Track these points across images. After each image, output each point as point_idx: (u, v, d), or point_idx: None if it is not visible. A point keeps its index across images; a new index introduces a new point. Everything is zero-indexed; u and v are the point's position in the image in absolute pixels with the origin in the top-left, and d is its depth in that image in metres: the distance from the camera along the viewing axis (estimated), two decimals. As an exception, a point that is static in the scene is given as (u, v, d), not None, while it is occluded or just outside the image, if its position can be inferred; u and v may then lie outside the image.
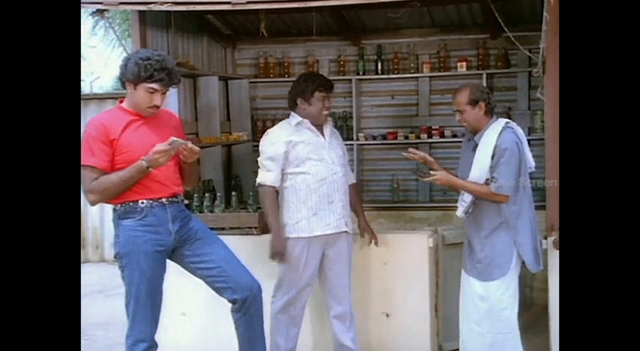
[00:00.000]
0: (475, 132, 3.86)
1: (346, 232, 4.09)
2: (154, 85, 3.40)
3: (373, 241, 4.32)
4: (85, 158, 3.36)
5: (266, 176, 3.99)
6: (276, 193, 4.05)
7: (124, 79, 3.45)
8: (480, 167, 3.75)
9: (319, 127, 4.08)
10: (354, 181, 4.37)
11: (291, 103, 4.10)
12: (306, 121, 4.03)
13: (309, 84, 4.04)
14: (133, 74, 3.39)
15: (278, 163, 3.97)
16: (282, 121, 4.17)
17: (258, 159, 4.07)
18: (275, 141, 4.00)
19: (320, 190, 3.99)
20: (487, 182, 3.74)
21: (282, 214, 4.04)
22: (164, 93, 3.47)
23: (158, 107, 3.48)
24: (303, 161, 3.98)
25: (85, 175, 3.35)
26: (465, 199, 3.83)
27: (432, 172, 3.86)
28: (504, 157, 3.69)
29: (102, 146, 3.38)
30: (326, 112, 4.08)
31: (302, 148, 3.98)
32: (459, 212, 3.86)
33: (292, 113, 4.10)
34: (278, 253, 3.95)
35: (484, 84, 5.62)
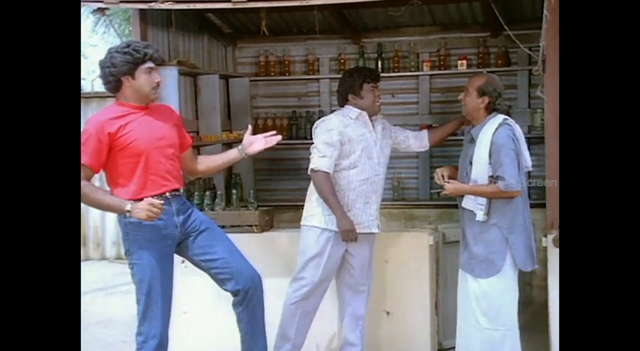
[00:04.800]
0: (468, 117, 3.92)
1: (372, 233, 4.08)
2: (150, 64, 3.47)
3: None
4: None
5: (322, 161, 3.92)
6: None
7: (118, 76, 3.45)
8: (480, 164, 3.76)
9: (371, 122, 4.06)
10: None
11: (342, 100, 4.10)
12: (364, 113, 4.01)
13: (355, 78, 4.04)
14: (128, 62, 3.43)
15: (334, 149, 3.92)
16: (338, 112, 4.11)
17: (313, 145, 4.00)
18: (332, 128, 3.96)
19: (359, 189, 3.98)
20: (491, 179, 3.74)
21: (317, 204, 4.01)
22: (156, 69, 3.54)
23: (159, 84, 3.53)
24: (353, 157, 3.95)
25: None
26: (480, 201, 3.78)
27: (444, 184, 3.85)
28: (503, 154, 3.69)
29: (97, 145, 3.40)
30: (378, 103, 4.07)
31: (355, 144, 3.95)
32: (480, 217, 3.78)
33: (348, 106, 4.06)
34: (349, 232, 3.90)
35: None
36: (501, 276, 3.77)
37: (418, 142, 4.25)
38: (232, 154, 3.92)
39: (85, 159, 3.38)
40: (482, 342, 3.81)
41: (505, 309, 3.80)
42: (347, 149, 3.95)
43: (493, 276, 3.76)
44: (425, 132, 4.31)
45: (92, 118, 3.54)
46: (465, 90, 3.88)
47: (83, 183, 3.37)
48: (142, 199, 3.39)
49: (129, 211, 3.37)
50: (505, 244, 3.75)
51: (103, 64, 3.50)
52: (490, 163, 3.72)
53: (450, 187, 3.84)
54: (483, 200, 3.77)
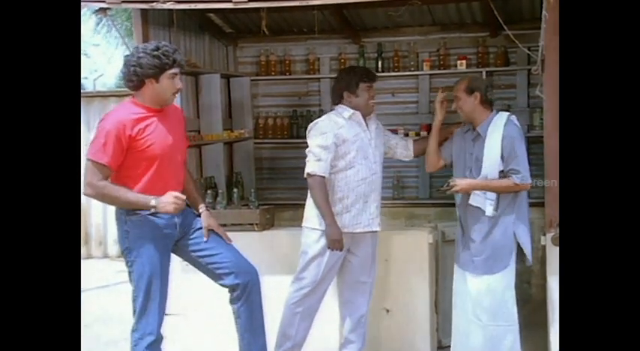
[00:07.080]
0: (470, 121, 3.91)
1: (373, 231, 4.09)
2: (175, 70, 3.46)
3: None
4: (99, 155, 3.36)
5: (317, 165, 3.93)
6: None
7: (142, 77, 3.42)
8: (491, 160, 3.77)
9: (365, 121, 4.07)
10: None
11: (336, 97, 4.10)
12: (357, 113, 4.01)
13: (352, 76, 4.06)
14: (156, 66, 3.41)
15: (329, 152, 3.93)
16: (331, 113, 4.13)
17: (308, 149, 4.01)
18: (326, 131, 3.96)
19: (358, 190, 3.98)
20: (502, 174, 3.76)
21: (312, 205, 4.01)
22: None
23: (179, 90, 3.53)
24: (349, 158, 3.96)
25: (94, 170, 3.37)
26: (490, 196, 3.80)
27: (451, 182, 3.86)
28: (517, 147, 3.73)
29: (118, 146, 3.38)
30: (372, 102, 4.08)
31: (350, 144, 3.96)
32: (490, 212, 3.80)
33: (341, 105, 4.07)
34: (336, 241, 3.90)
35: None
36: (506, 272, 3.80)
37: (404, 151, 4.28)
38: (197, 207, 3.77)
39: (105, 159, 3.37)
40: (485, 339, 3.83)
41: (507, 304, 3.83)
42: (342, 150, 3.96)
43: (500, 272, 3.79)
44: (411, 141, 4.33)
45: (110, 116, 3.49)
46: (455, 98, 3.90)
47: (102, 183, 3.38)
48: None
49: (154, 206, 3.39)
50: (512, 238, 3.79)
51: (128, 62, 3.45)
52: (502, 158, 3.74)
53: (463, 183, 3.83)
54: (493, 195, 3.79)
